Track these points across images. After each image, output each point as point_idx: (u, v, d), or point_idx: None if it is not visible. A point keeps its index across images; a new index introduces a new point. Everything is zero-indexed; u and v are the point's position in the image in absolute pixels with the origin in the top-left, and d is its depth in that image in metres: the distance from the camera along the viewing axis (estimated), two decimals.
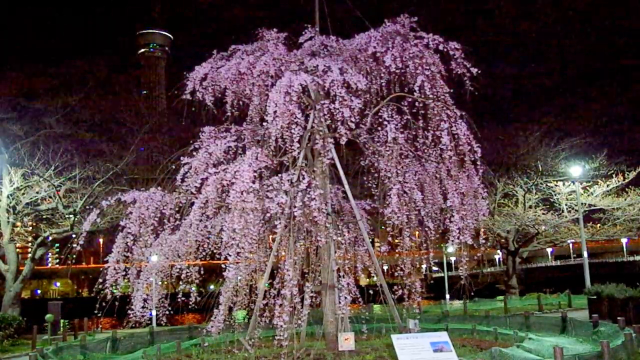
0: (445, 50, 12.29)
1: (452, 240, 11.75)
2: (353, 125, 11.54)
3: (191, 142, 12.71)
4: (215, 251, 12.30)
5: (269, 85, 12.22)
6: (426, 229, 12.36)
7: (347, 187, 13.34)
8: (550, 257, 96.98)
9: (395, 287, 12.71)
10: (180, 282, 12.24)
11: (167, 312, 12.41)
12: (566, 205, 36.41)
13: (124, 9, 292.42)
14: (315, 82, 11.99)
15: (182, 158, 12.43)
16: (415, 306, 12.88)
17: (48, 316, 25.66)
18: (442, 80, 12.22)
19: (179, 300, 12.08)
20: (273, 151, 11.76)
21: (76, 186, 27.29)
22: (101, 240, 59.20)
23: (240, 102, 13.37)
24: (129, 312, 12.07)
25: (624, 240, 76.47)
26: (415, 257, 12.86)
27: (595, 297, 21.84)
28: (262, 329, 12.79)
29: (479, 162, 12.05)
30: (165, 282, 12.93)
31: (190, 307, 11.88)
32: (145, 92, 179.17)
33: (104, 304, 11.72)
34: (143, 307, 12.18)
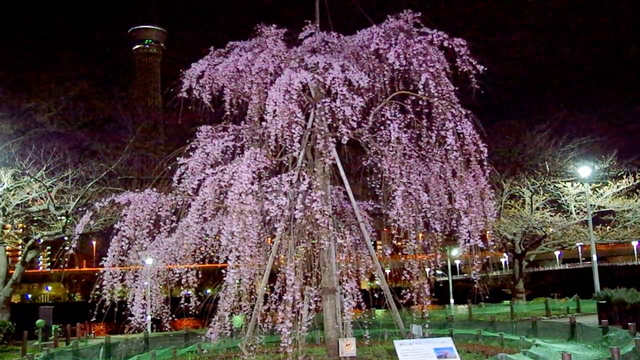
0: (450, 46, 12.00)
1: (463, 244, 11.51)
2: (355, 124, 11.39)
3: (188, 141, 12.49)
4: (212, 254, 12.03)
5: (268, 83, 12.00)
6: (432, 231, 12.07)
7: (348, 188, 13.06)
8: (558, 260, 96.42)
9: (404, 291, 12.41)
10: (182, 287, 11.97)
11: (170, 318, 12.16)
12: (575, 207, 35.92)
13: (117, 3, 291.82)
14: (315, 79, 11.78)
15: (178, 158, 12.20)
16: (421, 311, 12.58)
17: (39, 321, 25.41)
18: (447, 77, 11.94)
19: (181, 305, 11.81)
20: (272, 151, 11.53)
21: (68, 187, 26.80)
22: (94, 243, 58.98)
23: (239, 101, 13.13)
24: (130, 317, 11.83)
25: (634, 243, 75.82)
26: (422, 260, 12.58)
27: (604, 302, 21.52)
28: (262, 335, 12.50)
29: (485, 163, 11.76)
30: (165, 288, 12.65)
31: (190, 312, 11.64)
32: (139, 89, 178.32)
33: (103, 310, 11.45)
34: (142, 313, 11.93)
